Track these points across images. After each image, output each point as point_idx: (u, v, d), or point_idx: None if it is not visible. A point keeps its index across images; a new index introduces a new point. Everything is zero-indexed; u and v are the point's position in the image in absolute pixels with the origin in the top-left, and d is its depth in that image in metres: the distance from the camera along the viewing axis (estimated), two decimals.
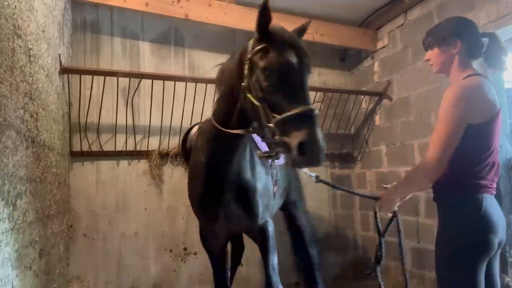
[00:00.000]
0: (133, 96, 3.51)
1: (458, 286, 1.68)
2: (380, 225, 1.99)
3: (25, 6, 1.91)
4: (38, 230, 2.10)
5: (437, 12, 3.39)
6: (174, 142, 3.64)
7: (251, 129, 1.73)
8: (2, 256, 1.53)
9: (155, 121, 3.57)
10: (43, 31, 2.29)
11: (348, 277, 4.29)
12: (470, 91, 1.69)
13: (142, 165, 3.60)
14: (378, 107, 4.19)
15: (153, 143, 3.60)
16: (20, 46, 1.82)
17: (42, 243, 2.17)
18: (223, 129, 1.80)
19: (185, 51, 3.91)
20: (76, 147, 3.35)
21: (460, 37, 1.80)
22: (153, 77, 3.44)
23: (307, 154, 1.36)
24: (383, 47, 4.11)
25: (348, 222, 4.46)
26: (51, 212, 2.44)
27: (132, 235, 3.51)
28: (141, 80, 3.44)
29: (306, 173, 2.09)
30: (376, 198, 1.96)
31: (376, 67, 4.26)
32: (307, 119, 1.40)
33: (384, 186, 2.08)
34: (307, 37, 1.97)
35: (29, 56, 1.97)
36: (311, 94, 2.03)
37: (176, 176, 3.70)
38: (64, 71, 3.02)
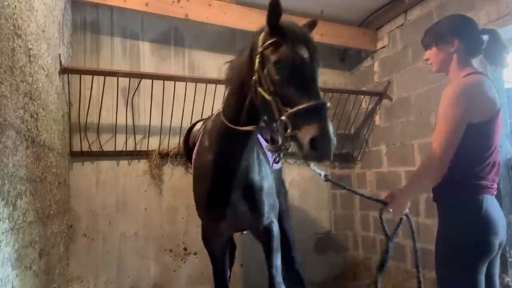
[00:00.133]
0: (133, 96, 3.51)
1: (458, 286, 1.67)
2: (387, 229, 1.94)
3: (25, 6, 1.91)
4: (38, 230, 2.10)
5: (437, 12, 3.38)
6: (174, 142, 3.65)
7: (261, 125, 1.73)
8: (2, 256, 1.53)
9: (155, 121, 3.57)
10: (43, 31, 2.29)
11: (348, 277, 4.29)
12: (470, 90, 1.67)
13: (142, 165, 3.60)
14: (378, 107, 4.19)
15: (153, 143, 3.60)
16: (20, 46, 1.82)
17: (42, 243, 2.17)
18: (233, 126, 1.80)
19: (185, 51, 3.91)
20: (76, 147, 3.35)
21: (457, 35, 1.78)
22: (153, 77, 3.44)
23: (318, 149, 1.35)
24: (383, 47, 4.11)
25: (348, 222, 4.45)
26: (51, 212, 2.44)
27: (132, 235, 3.51)
28: (141, 80, 3.44)
29: (315, 170, 2.03)
30: (386, 203, 1.90)
31: (376, 67, 4.26)
32: (319, 113, 1.40)
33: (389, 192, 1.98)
34: None
35: (29, 56, 1.97)
36: None
37: (176, 176, 3.70)
38: (64, 71, 3.02)
